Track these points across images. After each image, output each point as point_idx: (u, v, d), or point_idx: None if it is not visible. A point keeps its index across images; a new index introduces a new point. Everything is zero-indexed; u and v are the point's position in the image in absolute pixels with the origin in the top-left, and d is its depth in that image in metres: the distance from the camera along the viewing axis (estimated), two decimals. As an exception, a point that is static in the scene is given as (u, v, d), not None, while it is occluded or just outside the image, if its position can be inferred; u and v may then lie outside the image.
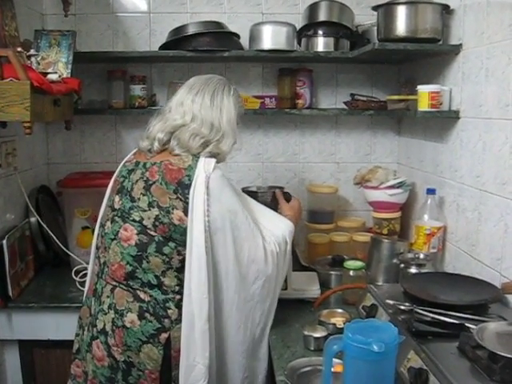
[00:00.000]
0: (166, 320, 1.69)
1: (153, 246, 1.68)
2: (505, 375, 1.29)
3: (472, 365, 1.38)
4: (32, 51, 2.11)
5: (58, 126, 2.81)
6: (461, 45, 2.14)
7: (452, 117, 2.18)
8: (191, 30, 2.52)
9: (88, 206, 2.53)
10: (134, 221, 1.71)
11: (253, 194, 2.12)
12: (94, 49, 2.72)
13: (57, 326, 2.23)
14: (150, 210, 1.69)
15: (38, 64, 2.10)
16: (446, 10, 2.18)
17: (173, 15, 2.79)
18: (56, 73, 2.13)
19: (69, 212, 2.60)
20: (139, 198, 1.72)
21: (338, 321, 1.87)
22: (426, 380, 1.37)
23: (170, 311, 1.69)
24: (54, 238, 2.45)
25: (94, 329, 1.74)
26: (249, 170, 2.98)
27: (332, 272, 2.32)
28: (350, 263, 2.21)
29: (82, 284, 2.22)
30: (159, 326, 1.68)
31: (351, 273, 2.17)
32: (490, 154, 1.93)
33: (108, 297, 1.74)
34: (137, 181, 1.75)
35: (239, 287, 1.74)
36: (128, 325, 1.68)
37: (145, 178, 1.74)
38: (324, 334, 1.77)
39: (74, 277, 2.40)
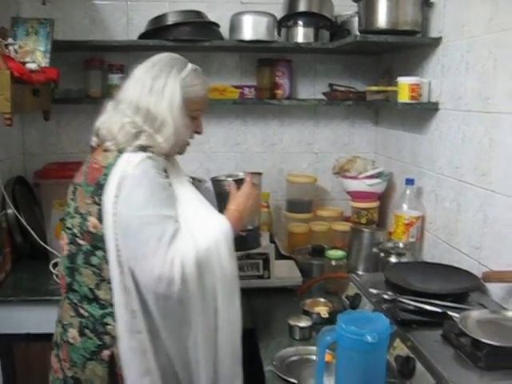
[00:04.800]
0: (106, 337, 1.56)
1: (81, 257, 1.57)
2: (489, 362, 1.33)
3: (456, 352, 1.42)
4: (10, 40, 2.07)
5: (33, 116, 2.77)
6: (441, 38, 2.17)
7: (431, 108, 2.22)
8: (171, 20, 2.51)
9: (66, 197, 2.49)
10: (67, 228, 1.62)
11: (217, 184, 1.91)
12: (70, 37, 2.67)
13: (37, 319, 2.19)
14: (75, 216, 1.59)
15: (16, 53, 2.06)
16: (427, 2, 2.21)
17: (151, 3, 2.76)
18: (35, 62, 2.09)
19: (46, 203, 2.56)
20: (69, 204, 1.63)
21: (322, 310, 1.90)
22: (413, 368, 1.40)
23: (109, 327, 1.56)
24: (31, 230, 2.42)
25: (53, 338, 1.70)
26: (227, 160, 2.98)
27: (312, 261, 2.35)
28: (331, 252, 2.24)
29: (60, 277, 2.20)
30: (100, 343, 1.56)
31: (333, 262, 2.20)
32: (469, 146, 1.97)
33: (60, 308, 1.68)
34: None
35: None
36: (71, 340, 1.59)
37: (74, 181, 1.65)
38: (309, 323, 1.80)
39: (52, 269, 2.37)
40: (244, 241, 1.82)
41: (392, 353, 1.50)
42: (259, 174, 1.96)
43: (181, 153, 1.75)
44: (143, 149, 1.57)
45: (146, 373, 1.53)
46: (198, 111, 1.70)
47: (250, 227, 1.84)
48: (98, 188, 1.52)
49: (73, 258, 1.59)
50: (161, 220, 1.50)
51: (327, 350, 1.32)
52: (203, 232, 1.56)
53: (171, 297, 1.49)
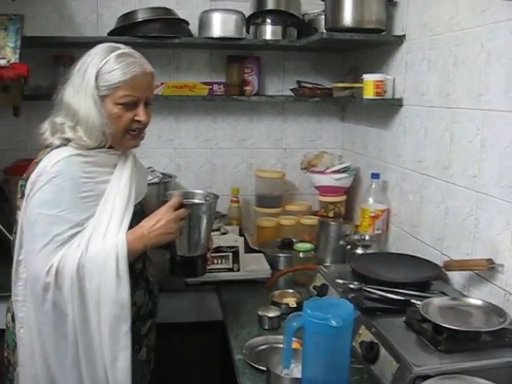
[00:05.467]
0: None
1: (15, 249, 1.60)
2: (449, 345, 1.40)
3: (418, 337, 1.49)
4: (-21, 36, 2.07)
5: (2, 113, 2.75)
6: (404, 36, 2.24)
7: (396, 104, 2.29)
8: (141, 17, 2.53)
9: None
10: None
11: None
12: (39, 33, 2.66)
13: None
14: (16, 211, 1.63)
15: (-15, 49, 2.07)
16: (391, 1, 2.27)
17: (121, 0, 2.77)
18: (4, 58, 2.10)
19: (15, 200, 2.55)
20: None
21: (290, 301, 1.95)
22: (377, 352, 1.47)
23: None
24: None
25: None
26: (197, 156, 3.01)
27: (281, 254, 2.39)
28: (299, 245, 2.29)
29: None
30: None
31: (301, 255, 2.25)
32: (431, 141, 2.04)
33: None
34: None
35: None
36: (8, 324, 1.66)
37: None
38: (277, 313, 1.84)
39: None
40: (188, 266, 1.76)
41: (357, 339, 1.57)
42: (215, 196, 1.79)
43: (125, 146, 1.66)
44: (67, 141, 1.56)
45: (30, 363, 1.57)
46: (127, 97, 1.57)
47: (198, 253, 1.74)
48: (25, 183, 1.56)
49: (13, 249, 1.62)
50: (56, 221, 1.49)
51: (295, 339, 1.38)
52: (99, 244, 1.51)
53: (46, 299, 1.48)
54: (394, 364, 1.38)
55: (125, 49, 1.61)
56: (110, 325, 1.50)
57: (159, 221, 1.59)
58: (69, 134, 1.56)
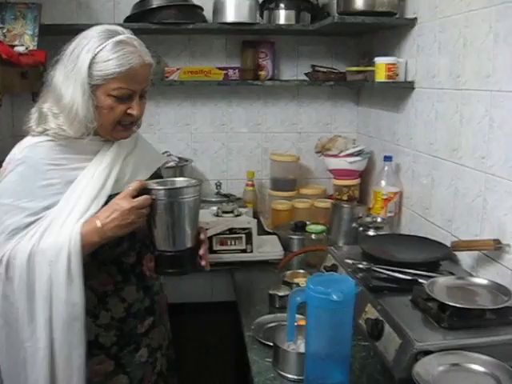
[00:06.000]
0: None
1: None
2: (452, 322, 1.42)
3: (423, 314, 1.51)
4: (-2, 24, 2.14)
5: (22, 99, 2.82)
6: (416, 18, 2.24)
7: (407, 87, 2.30)
8: (156, 3, 2.57)
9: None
10: None
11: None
12: (56, 21, 2.71)
13: None
14: None
15: (5, 36, 2.12)
16: (402, -16, 2.28)
17: (136, -13, 2.81)
18: (23, 45, 2.16)
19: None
20: None
21: (301, 281, 1.98)
22: (382, 329, 1.50)
23: None
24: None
25: None
26: (213, 141, 3.06)
27: (294, 236, 2.43)
28: (311, 227, 2.33)
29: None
30: None
31: (313, 236, 2.28)
32: (441, 123, 2.05)
33: None
34: None
35: None
36: None
37: None
38: (288, 292, 1.87)
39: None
40: (171, 262, 1.54)
41: (363, 317, 1.60)
42: (196, 182, 1.57)
43: (116, 137, 1.57)
44: (39, 133, 1.49)
45: None
46: (121, 90, 1.47)
47: (181, 247, 1.52)
48: None
49: None
50: (11, 210, 1.43)
51: (300, 316, 1.42)
52: (54, 235, 1.42)
53: None
54: (397, 340, 1.41)
55: (124, 34, 1.49)
56: (61, 323, 1.41)
57: (114, 211, 1.43)
58: (51, 124, 1.48)
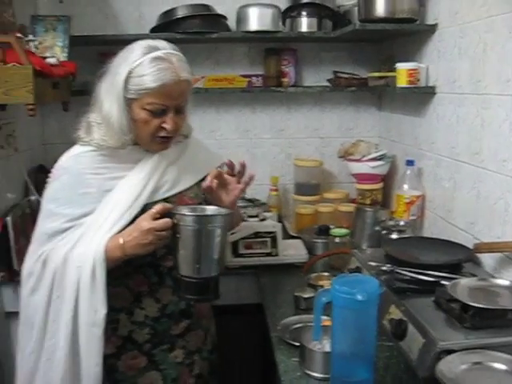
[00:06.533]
0: None
1: None
2: (474, 322, 1.45)
3: (446, 315, 1.54)
4: (30, 37, 2.21)
5: (51, 108, 2.92)
6: (436, 24, 2.27)
7: (429, 92, 2.33)
8: (181, 13, 2.65)
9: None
10: None
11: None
12: (85, 32, 2.79)
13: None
14: None
15: (37, 48, 2.21)
16: (423, -10, 2.31)
17: (162, -2, 2.89)
18: (54, 57, 2.24)
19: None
20: None
21: (326, 283, 2.02)
22: (405, 329, 1.53)
23: None
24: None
25: None
26: (238, 146, 3.12)
27: (318, 240, 2.48)
28: (335, 231, 2.37)
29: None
30: None
31: (337, 240, 2.32)
32: (463, 127, 2.08)
33: None
34: None
35: None
36: None
37: None
38: (313, 294, 1.91)
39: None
40: (196, 288, 1.51)
41: (387, 317, 1.63)
42: (225, 212, 1.56)
43: (153, 149, 1.63)
44: (85, 143, 1.59)
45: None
46: (153, 105, 1.52)
47: (203, 275, 1.50)
48: None
49: None
50: (52, 216, 1.55)
51: (326, 317, 1.46)
52: (86, 243, 1.52)
53: (27, 286, 1.53)
54: (421, 340, 1.44)
55: (163, 50, 1.54)
56: (83, 326, 1.49)
57: (135, 230, 1.49)
58: (94, 134, 1.57)
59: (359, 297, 1.24)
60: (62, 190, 1.57)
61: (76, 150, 1.62)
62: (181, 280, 1.51)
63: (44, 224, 1.57)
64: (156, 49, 1.54)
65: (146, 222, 1.48)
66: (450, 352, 1.36)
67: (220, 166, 1.79)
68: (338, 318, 1.31)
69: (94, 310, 1.49)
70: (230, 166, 1.65)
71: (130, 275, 1.61)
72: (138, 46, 1.55)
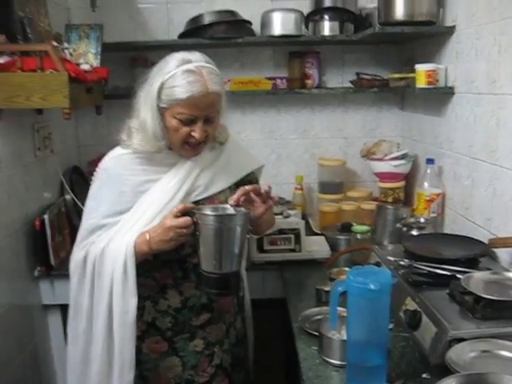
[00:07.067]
0: None
1: None
2: (485, 313, 1.52)
3: (459, 307, 1.61)
4: (65, 44, 2.35)
5: (85, 111, 3.05)
6: (454, 26, 2.33)
7: (447, 92, 2.39)
8: (208, 20, 2.76)
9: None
10: None
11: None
12: (116, 39, 2.91)
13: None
14: None
15: (71, 56, 2.33)
16: (441, -6, 2.38)
17: (189, 5, 3.00)
18: (87, 63, 2.36)
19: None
20: None
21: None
22: (419, 319, 1.61)
23: None
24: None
25: None
26: (263, 147, 3.21)
27: (340, 237, 2.56)
28: (357, 228, 2.44)
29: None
30: None
31: (358, 236, 2.40)
32: (480, 126, 2.14)
33: None
34: None
35: None
36: None
37: None
38: (334, 288, 2.00)
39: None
40: (216, 283, 1.61)
41: (403, 309, 1.71)
42: (244, 213, 1.63)
43: (184, 155, 1.73)
44: (125, 146, 1.72)
45: None
46: (182, 115, 1.62)
47: (223, 271, 1.59)
48: None
49: None
50: (92, 213, 1.70)
51: (343, 308, 1.54)
52: (119, 239, 1.65)
53: (73, 275, 1.70)
54: (433, 329, 1.52)
55: (195, 63, 1.62)
56: (118, 314, 1.64)
57: (159, 227, 1.62)
58: (133, 139, 1.69)
59: (372, 286, 1.32)
60: (101, 189, 1.71)
61: (117, 151, 1.75)
62: (202, 275, 1.62)
63: (86, 220, 1.72)
64: (189, 62, 1.62)
65: (168, 220, 1.59)
66: (460, 340, 1.44)
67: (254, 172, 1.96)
68: (352, 307, 1.39)
69: (126, 298, 1.64)
70: (253, 189, 1.69)
71: (158, 268, 1.74)
72: (173, 59, 1.64)
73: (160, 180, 1.71)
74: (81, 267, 1.68)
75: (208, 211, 1.62)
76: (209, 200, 1.77)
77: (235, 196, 1.65)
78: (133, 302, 1.64)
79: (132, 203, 1.69)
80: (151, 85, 1.64)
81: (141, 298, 1.69)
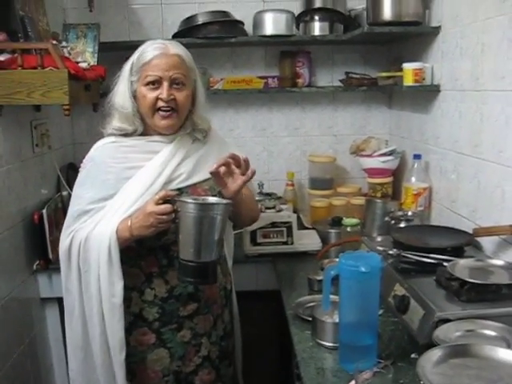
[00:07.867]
0: None
1: None
2: (470, 296, 1.60)
3: (445, 291, 1.69)
4: (64, 43, 2.41)
5: (80, 110, 3.11)
6: (440, 27, 2.42)
7: (433, 90, 2.48)
8: (201, 20, 2.83)
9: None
10: None
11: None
12: (111, 38, 2.98)
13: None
14: None
15: (70, 54, 2.40)
16: (426, -5, 2.47)
17: (183, 5, 3.07)
18: (85, 61, 2.43)
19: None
20: None
21: (337, 267, 2.18)
22: (408, 304, 1.69)
23: None
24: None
25: None
26: (255, 144, 3.29)
27: (331, 230, 2.63)
28: (346, 221, 2.53)
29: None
30: None
31: (348, 229, 2.49)
32: (464, 121, 2.23)
33: None
34: None
35: None
36: None
37: None
38: (325, 277, 2.08)
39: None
40: (194, 271, 1.62)
41: (392, 295, 1.79)
42: (223, 203, 1.67)
43: (158, 126, 1.78)
44: (110, 134, 1.82)
45: None
46: (149, 77, 1.72)
47: (201, 260, 1.61)
48: None
49: None
50: (78, 199, 1.78)
51: (335, 296, 1.61)
52: (104, 224, 1.71)
53: (62, 259, 1.76)
54: (421, 311, 1.60)
55: (162, 41, 1.80)
56: (106, 297, 1.70)
57: (140, 213, 1.67)
58: (113, 122, 1.80)
59: (363, 269, 1.40)
60: (86, 177, 1.79)
61: (102, 141, 1.84)
62: (180, 263, 1.64)
63: (72, 207, 1.79)
64: (156, 41, 1.80)
65: (149, 205, 1.65)
66: (446, 321, 1.52)
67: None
68: (344, 289, 1.48)
69: (112, 282, 1.70)
70: (233, 158, 1.73)
71: (143, 256, 1.79)
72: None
73: (143, 167, 1.77)
74: (66, 254, 1.74)
75: (189, 199, 1.64)
76: (192, 188, 1.82)
77: (215, 164, 1.69)
78: (119, 285, 1.70)
79: (116, 189, 1.75)
80: (124, 66, 1.80)
81: (127, 289, 1.74)
